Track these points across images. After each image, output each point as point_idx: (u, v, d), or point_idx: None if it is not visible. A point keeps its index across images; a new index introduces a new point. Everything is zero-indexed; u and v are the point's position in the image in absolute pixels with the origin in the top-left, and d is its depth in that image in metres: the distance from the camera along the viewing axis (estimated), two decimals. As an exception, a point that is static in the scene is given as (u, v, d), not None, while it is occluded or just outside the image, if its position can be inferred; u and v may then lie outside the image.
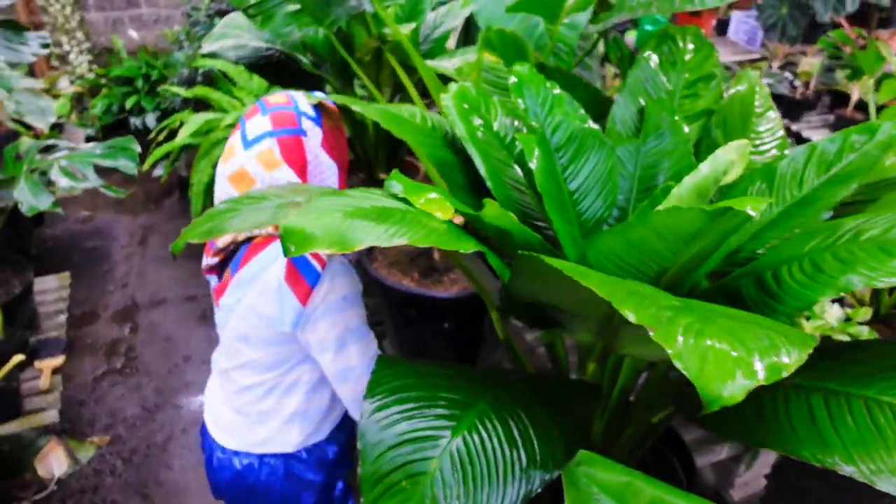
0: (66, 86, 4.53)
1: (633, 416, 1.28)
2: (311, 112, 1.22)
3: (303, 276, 1.13)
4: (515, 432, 0.87)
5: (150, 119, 4.57)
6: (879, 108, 2.21)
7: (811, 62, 3.54)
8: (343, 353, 1.17)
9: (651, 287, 0.76)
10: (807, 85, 3.97)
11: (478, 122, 1.18)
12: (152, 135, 3.81)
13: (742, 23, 5.28)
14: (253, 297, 1.16)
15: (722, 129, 1.35)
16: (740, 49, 5.09)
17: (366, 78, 2.13)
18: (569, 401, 1.01)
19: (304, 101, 1.22)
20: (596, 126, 1.15)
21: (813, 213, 1.04)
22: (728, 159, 0.97)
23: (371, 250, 2.13)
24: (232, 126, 3.46)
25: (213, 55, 2.32)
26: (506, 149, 1.20)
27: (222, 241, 1.21)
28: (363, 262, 2.08)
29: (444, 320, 2.01)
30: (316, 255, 1.15)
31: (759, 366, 0.60)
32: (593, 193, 1.14)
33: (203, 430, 1.38)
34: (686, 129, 1.24)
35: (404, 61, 2.05)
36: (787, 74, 4.10)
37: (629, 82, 1.32)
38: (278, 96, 1.23)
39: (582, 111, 1.16)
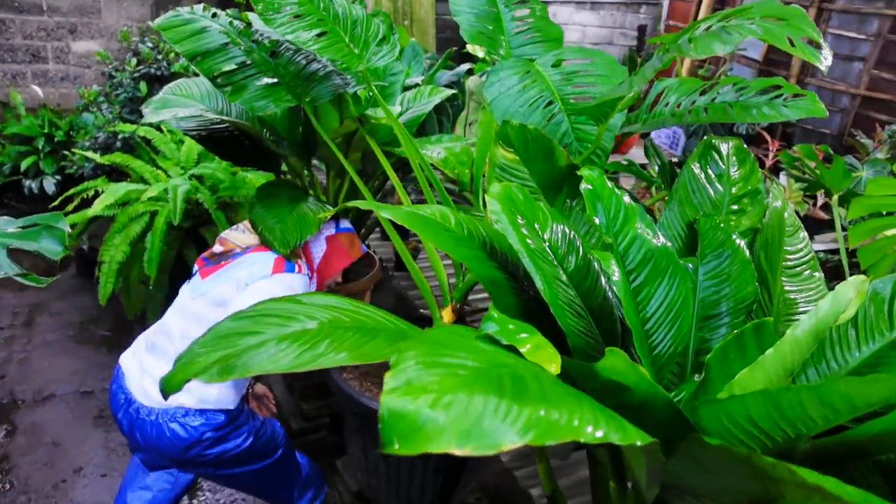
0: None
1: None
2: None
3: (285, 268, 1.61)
4: None
5: (49, 183, 4.04)
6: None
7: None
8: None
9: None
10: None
11: (524, 229, 0.99)
12: (57, 202, 3.32)
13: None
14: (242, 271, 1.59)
15: (764, 250, 1.24)
16: (663, 153, 5.39)
17: (345, 160, 1.90)
18: None
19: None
20: (669, 244, 1.00)
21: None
22: (848, 297, 0.84)
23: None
24: (156, 200, 3.08)
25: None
26: (559, 264, 1.01)
27: (220, 248, 1.71)
28: (330, 370, 1.77)
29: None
30: (300, 264, 1.68)
31: None
32: (666, 325, 0.96)
33: (129, 403, 1.54)
34: (746, 251, 1.12)
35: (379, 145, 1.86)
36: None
37: (676, 195, 1.20)
38: None
39: (654, 228, 1.00)
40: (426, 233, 0.92)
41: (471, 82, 3.85)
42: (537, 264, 0.94)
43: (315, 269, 1.79)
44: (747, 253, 1.11)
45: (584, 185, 0.97)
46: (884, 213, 2.07)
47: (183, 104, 2.08)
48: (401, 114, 2.44)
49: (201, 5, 1.70)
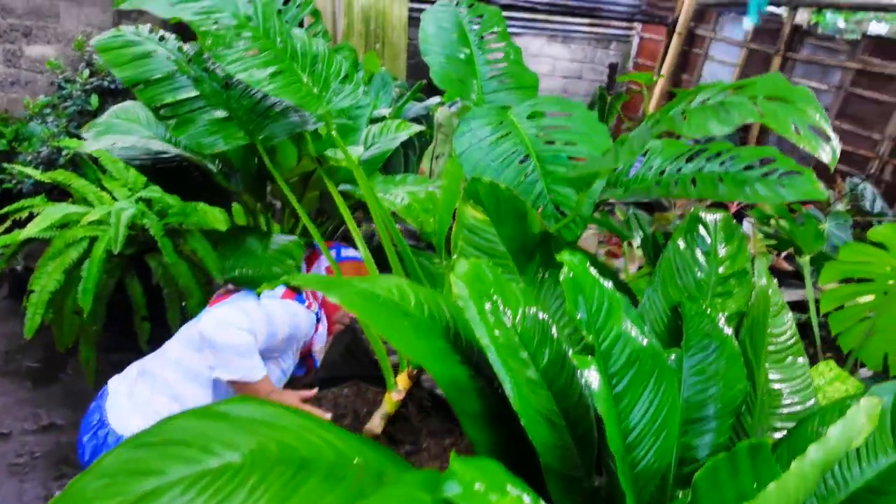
0: None
1: None
2: None
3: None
4: None
5: (-15, 196, 3.75)
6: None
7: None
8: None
9: None
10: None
11: (492, 317, 0.87)
12: (-14, 220, 3.05)
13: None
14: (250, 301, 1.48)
15: (749, 335, 1.14)
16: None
17: (294, 200, 1.75)
18: None
19: None
20: (655, 342, 0.88)
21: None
22: (859, 424, 0.73)
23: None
24: (97, 224, 2.86)
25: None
26: (531, 358, 0.89)
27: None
28: None
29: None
30: (309, 297, 1.57)
31: None
32: (650, 437, 0.84)
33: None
34: (734, 343, 1.01)
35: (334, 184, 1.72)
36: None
37: (660, 273, 1.09)
38: None
39: (639, 323, 0.89)
40: (380, 323, 0.79)
41: (439, 114, 3.75)
42: (507, 365, 0.81)
43: (321, 304, 1.65)
44: (736, 344, 1.01)
45: (564, 274, 0.85)
46: (855, 279, 2.03)
47: (127, 130, 1.91)
48: (367, 148, 2.31)
49: (147, 26, 1.54)
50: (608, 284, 0.89)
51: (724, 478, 0.81)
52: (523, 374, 0.84)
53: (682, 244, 1.12)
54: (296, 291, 1.57)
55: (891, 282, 1.96)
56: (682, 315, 1.05)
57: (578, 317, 0.82)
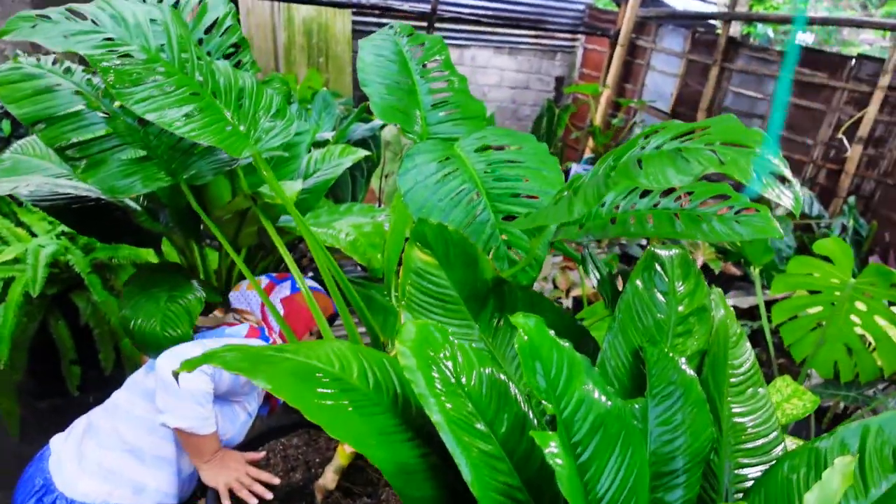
0: None
1: None
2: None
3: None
4: None
5: None
6: (770, 303, 2.28)
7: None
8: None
9: None
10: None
11: (442, 387, 0.78)
12: None
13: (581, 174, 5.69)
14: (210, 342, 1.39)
15: (711, 372, 1.10)
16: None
17: (223, 239, 1.62)
18: None
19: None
20: (620, 402, 0.81)
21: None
22: (836, 486, 0.69)
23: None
24: (12, 263, 2.63)
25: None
26: (488, 426, 0.81)
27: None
28: (207, 499, 1.46)
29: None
30: (272, 332, 1.55)
31: None
32: (619, 506, 0.78)
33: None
34: (699, 387, 0.96)
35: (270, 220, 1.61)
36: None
37: (619, 318, 1.03)
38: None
39: (602, 384, 0.82)
40: (314, 411, 0.69)
41: (386, 132, 3.66)
42: (462, 443, 0.73)
43: (280, 336, 1.59)
44: (700, 389, 0.96)
45: (519, 338, 0.78)
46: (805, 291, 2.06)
47: (35, 168, 1.73)
48: (309, 176, 2.20)
49: (51, 57, 1.39)
50: (566, 345, 0.82)
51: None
52: (480, 450, 0.76)
53: (640, 284, 1.07)
54: (261, 330, 1.50)
55: (837, 293, 1.99)
56: (645, 360, 0.99)
57: (537, 383, 0.75)
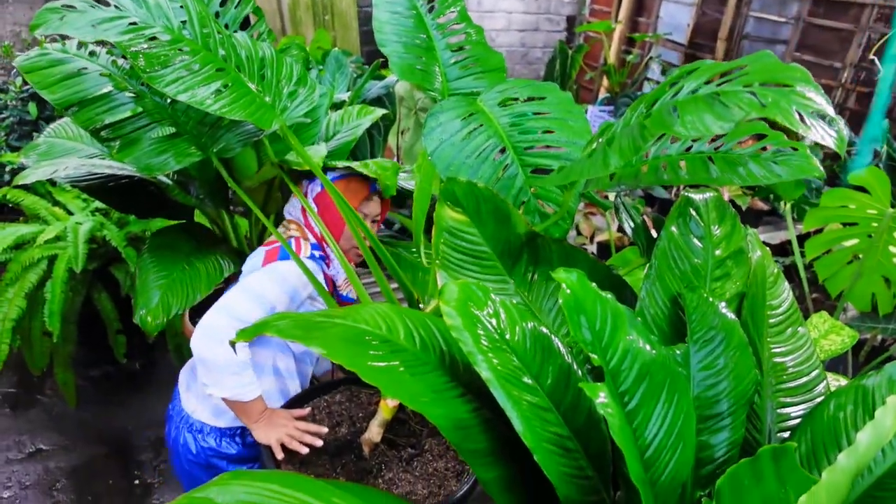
0: None
1: None
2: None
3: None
4: None
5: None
6: (801, 237, 2.25)
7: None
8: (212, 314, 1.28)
9: None
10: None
11: (488, 343, 0.81)
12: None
13: (597, 117, 5.58)
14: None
15: (751, 315, 1.11)
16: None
17: (255, 207, 1.65)
18: None
19: None
20: (663, 350, 0.83)
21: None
22: (886, 426, 0.70)
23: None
24: (54, 241, 2.71)
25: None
26: (534, 379, 0.84)
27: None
28: (261, 457, 1.54)
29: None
30: (299, 240, 1.51)
31: None
32: (667, 451, 0.81)
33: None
34: (741, 330, 0.97)
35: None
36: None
37: (656, 264, 1.04)
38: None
39: (645, 332, 0.84)
40: (369, 372, 0.72)
41: (399, 87, 3.60)
42: (512, 396, 0.76)
43: (320, 240, 1.53)
44: (742, 333, 0.97)
45: (562, 293, 0.80)
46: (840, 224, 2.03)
47: (69, 150, 1.77)
48: (329, 139, 2.20)
49: (75, 41, 1.40)
50: (609, 297, 0.84)
51: (747, 483, 0.78)
52: (529, 403, 0.79)
53: (675, 230, 1.07)
54: (281, 246, 1.46)
55: (874, 224, 1.95)
56: (684, 306, 1.01)
57: (584, 337, 0.77)
